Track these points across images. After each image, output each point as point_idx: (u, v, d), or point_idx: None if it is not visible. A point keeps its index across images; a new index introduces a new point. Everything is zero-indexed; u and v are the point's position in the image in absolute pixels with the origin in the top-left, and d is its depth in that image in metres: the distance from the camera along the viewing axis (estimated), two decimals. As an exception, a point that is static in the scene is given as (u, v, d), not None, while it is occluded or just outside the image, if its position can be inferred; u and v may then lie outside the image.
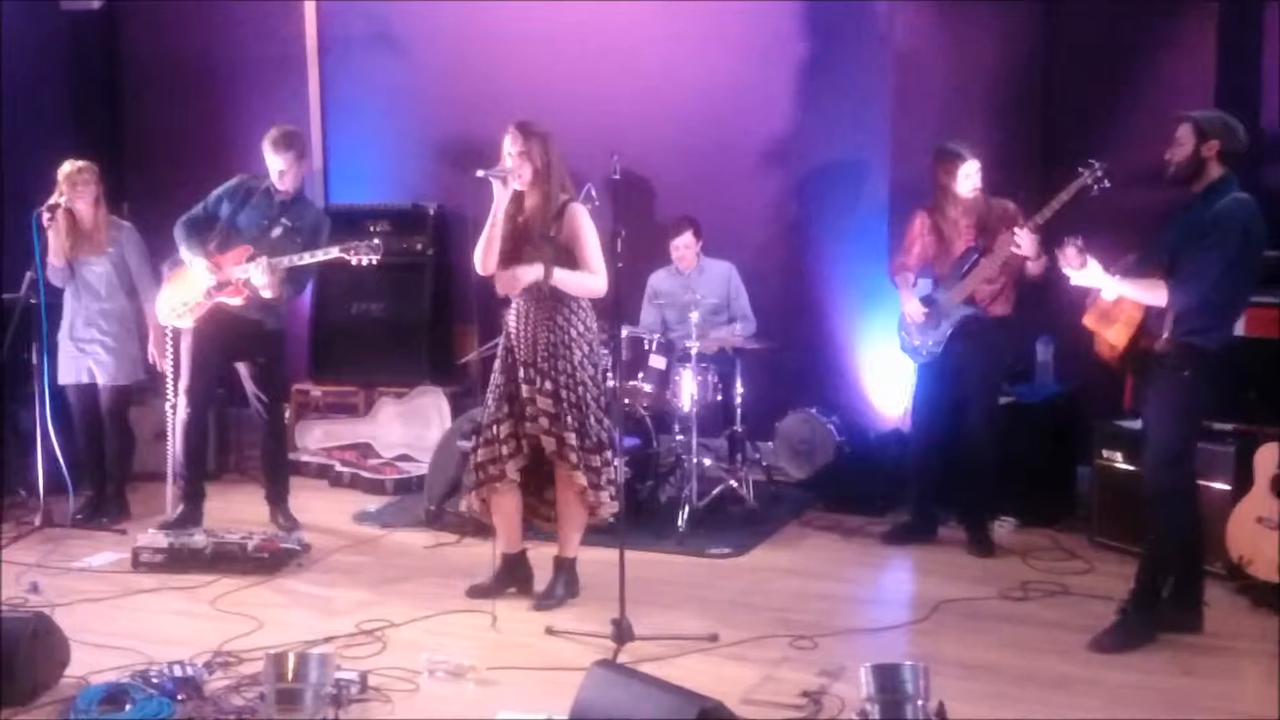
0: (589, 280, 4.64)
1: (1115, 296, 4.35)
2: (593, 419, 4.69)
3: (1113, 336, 4.37)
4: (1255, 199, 4.23)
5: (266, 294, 5.49)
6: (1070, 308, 4.66)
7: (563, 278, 4.59)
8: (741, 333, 6.46)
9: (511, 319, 4.77)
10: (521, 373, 4.69)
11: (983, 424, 5.56)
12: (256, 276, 5.44)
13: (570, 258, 4.63)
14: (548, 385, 4.64)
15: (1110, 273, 4.35)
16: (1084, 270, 4.35)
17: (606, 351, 5.08)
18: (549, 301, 4.67)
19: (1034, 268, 5.32)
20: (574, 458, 4.64)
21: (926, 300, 5.61)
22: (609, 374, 4.96)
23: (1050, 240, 5.35)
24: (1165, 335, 4.22)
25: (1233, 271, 4.16)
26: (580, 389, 4.67)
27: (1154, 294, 4.20)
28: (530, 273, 4.58)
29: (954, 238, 5.54)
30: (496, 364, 4.82)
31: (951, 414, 5.61)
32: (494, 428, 4.73)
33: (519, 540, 4.94)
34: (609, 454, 4.70)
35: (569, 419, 4.64)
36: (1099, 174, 5.07)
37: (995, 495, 5.71)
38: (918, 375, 5.73)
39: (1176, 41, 6.20)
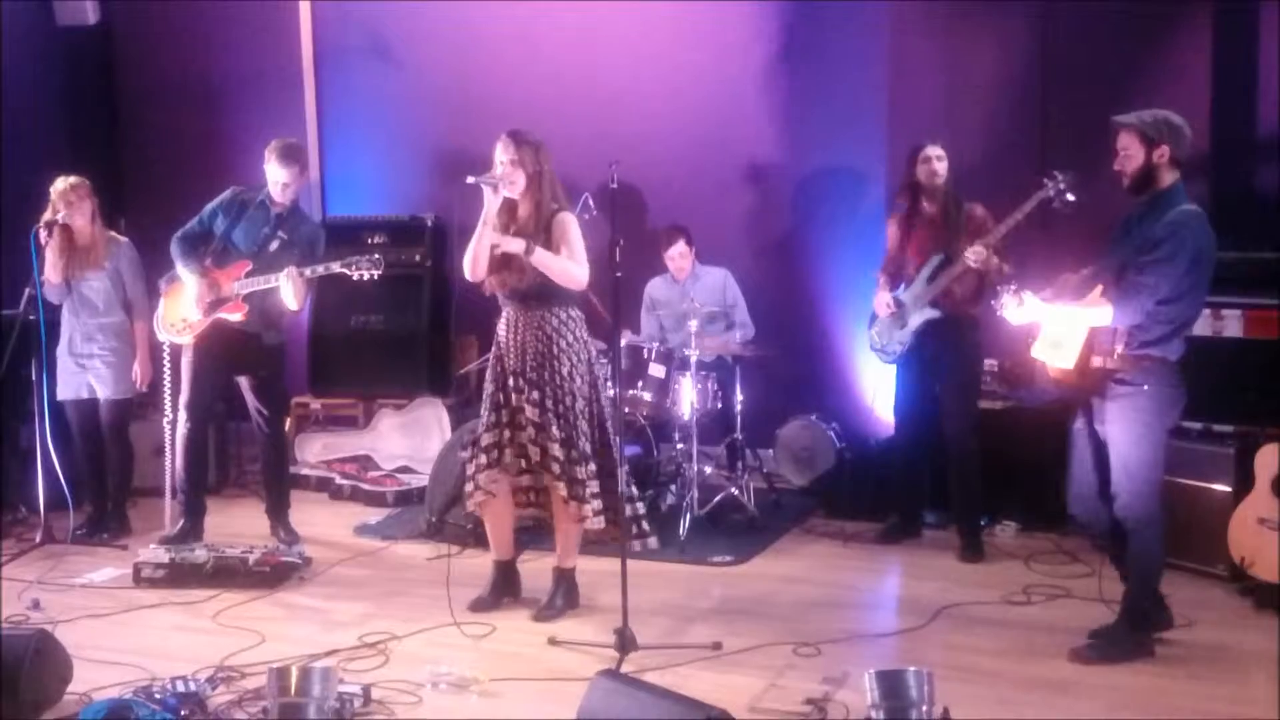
0: (570, 265, 4.61)
1: (1060, 323, 4.23)
2: (581, 430, 4.67)
3: (1062, 360, 4.24)
4: (1250, 201, 4.21)
5: (292, 305, 5.48)
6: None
7: (543, 258, 4.56)
8: (740, 339, 6.47)
9: (501, 328, 4.77)
10: (511, 381, 4.70)
11: (962, 424, 5.58)
12: (285, 287, 5.42)
13: None
14: (535, 395, 4.64)
15: (1062, 289, 4.25)
16: (1022, 310, 4.26)
17: (605, 361, 5.06)
18: (538, 311, 4.66)
19: (996, 276, 5.33)
20: (556, 468, 4.62)
21: (896, 300, 5.65)
22: (609, 383, 4.94)
23: (1017, 244, 5.38)
24: (1119, 350, 4.11)
25: (1185, 284, 4.07)
26: (568, 399, 4.65)
27: (1098, 315, 4.10)
28: (513, 243, 4.57)
29: (925, 234, 5.57)
30: (488, 372, 4.84)
31: (932, 414, 5.66)
32: (483, 437, 4.74)
33: (510, 548, 4.95)
34: (594, 466, 4.66)
35: (554, 429, 4.62)
36: (1060, 186, 5.07)
37: (983, 498, 5.70)
38: (897, 375, 5.80)
39: (1173, 44, 6.20)
